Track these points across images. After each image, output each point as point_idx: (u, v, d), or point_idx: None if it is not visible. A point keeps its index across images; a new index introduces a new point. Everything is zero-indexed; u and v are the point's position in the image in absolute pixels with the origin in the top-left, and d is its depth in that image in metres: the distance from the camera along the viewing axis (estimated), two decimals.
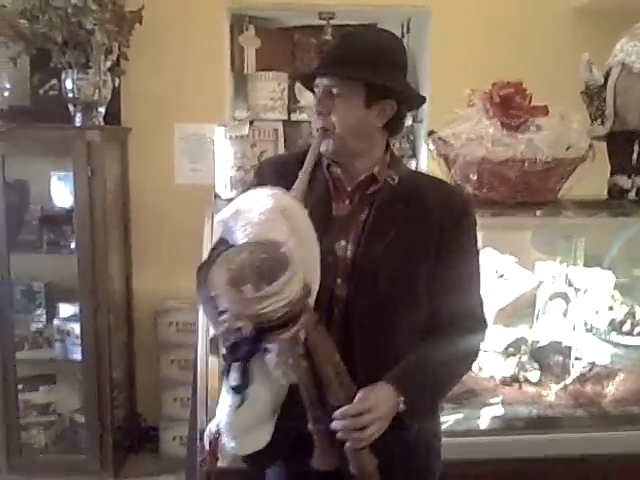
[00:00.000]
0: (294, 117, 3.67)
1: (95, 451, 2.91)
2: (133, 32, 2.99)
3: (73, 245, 2.94)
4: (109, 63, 2.95)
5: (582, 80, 2.48)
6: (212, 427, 1.47)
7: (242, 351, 1.18)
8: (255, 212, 1.25)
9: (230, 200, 2.26)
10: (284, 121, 3.58)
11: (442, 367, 1.43)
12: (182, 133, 3.34)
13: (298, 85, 3.78)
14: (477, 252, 1.52)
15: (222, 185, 2.30)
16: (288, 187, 1.38)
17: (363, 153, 1.46)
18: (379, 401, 1.30)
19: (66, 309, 3.09)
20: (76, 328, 2.95)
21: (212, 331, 1.72)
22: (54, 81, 3.00)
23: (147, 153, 3.31)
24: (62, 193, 3.06)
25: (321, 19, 3.63)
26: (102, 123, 3.01)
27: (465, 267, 1.49)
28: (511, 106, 2.28)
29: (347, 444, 1.28)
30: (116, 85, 3.07)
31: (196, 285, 1.49)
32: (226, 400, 1.37)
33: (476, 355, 1.53)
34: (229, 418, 1.36)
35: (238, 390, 1.26)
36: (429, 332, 1.46)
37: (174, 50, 3.26)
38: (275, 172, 1.52)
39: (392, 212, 1.45)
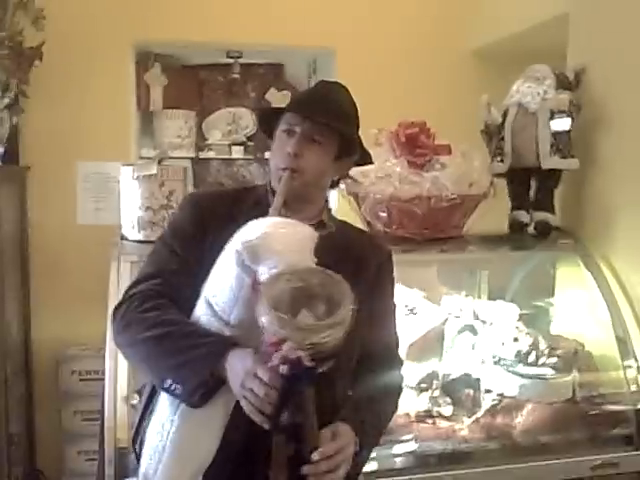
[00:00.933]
0: (202, 155, 3.63)
1: None
2: (33, 68, 2.88)
3: None
4: (7, 100, 2.82)
5: (481, 120, 2.59)
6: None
7: (303, 383, 1.11)
8: (290, 238, 1.23)
9: (138, 242, 2.23)
10: (192, 159, 3.54)
11: (382, 406, 1.49)
12: (85, 172, 3.24)
13: (206, 123, 3.77)
14: (394, 299, 1.60)
15: (129, 226, 2.22)
16: (226, 224, 1.35)
17: (315, 200, 1.50)
18: (347, 441, 1.29)
19: None
20: None
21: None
22: None
23: (48, 193, 3.17)
24: None
25: (229, 57, 3.64)
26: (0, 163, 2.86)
27: (389, 313, 1.58)
28: (416, 145, 2.36)
29: None
30: (14, 123, 2.93)
31: (117, 327, 1.40)
32: (162, 452, 1.29)
33: (401, 391, 1.59)
34: (166, 472, 1.29)
35: (291, 431, 1.18)
36: (360, 374, 1.49)
37: (76, 87, 3.17)
38: (214, 209, 1.48)
39: (333, 260, 1.44)
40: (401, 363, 1.61)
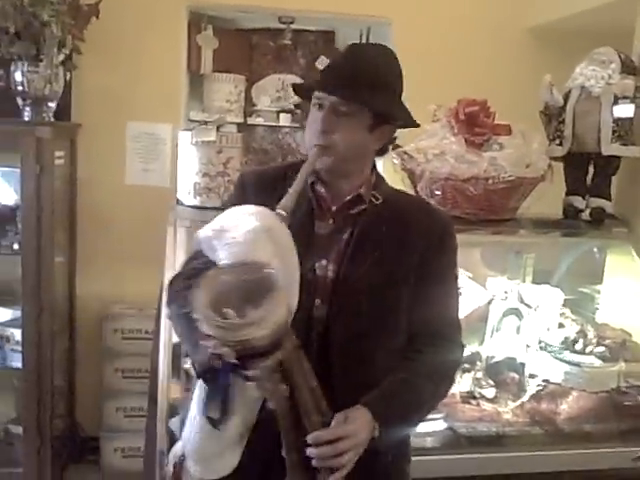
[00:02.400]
0: (250, 121, 3.62)
1: (33, 464, 2.76)
2: (88, 26, 2.87)
3: (16, 246, 2.79)
4: (62, 56, 2.82)
5: (542, 100, 2.54)
6: (177, 450, 1.42)
7: (223, 380, 1.12)
8: (240, 231, 1.19)
9: (194, 207, 2.24)
10: (240, 124, 3.52)
11: (420, 392, 1.40)
12: (134, 132, 3.24)
13: (255, 88, 3.75)
14: (456, 274, 1.51)
15: (185, 191, 2.23)
16: (273, 203, 1.32)
17: (353, 174, 1.43)
18: (357, 427, 1.26)
19: (4, 313, 2.93)
20: (16, 334, 2.80)
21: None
22: (1, 72, 2.85)
23: (97, 151, 3.19)
24: (4, 190, 2.91)
25: (281, 23, 3.60)
26: (52, 119, 2.87)
27: (445, 291, 1.48)
28: (476, 124, 2.32)
29: (322, 471, 1.24)
30: (67, 80, 2.94)
31: (166, 299, 1.45)
32: (194, 423, 1.31)
33: (454, 378, 1.51)
34: (196, 442, 1.31)
35: (216, 423, 1.19)
36: (408, 353, 1.44)
37: (129, 46, 3.17)
38: (259, 186, 1.47)
39: (375, 233, 1.43)
40: (459, 347, 1.50)
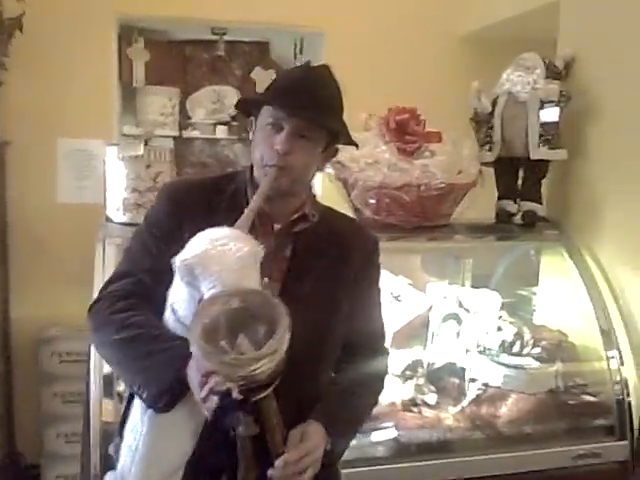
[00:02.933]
0: (186, 134, 3.57)
1: None
2: (13, 40, 2.79)
3: None
4: None
5: (471, 107, 2.57)
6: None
7: (230, 417, 1.09)
8: (230, 257, 1.14)
9: (123, 224, 2.19)
10: (175, 137, 3.48)
11: (359, 401, 1.45)
12: (66, 149, 3.17)
13: (190, 101, 3.70)
14: (380, 288, 1.57)
15: (114, 208, 2.17)
16: (204, 215, 1.31)
17: (299, 193, 1.43)
18: (316, 442, 1.27)
19: None
20: None
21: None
22: None
23: (27, 169, 3.10)
24: None
25: (214, 34, 3.57)
26: None
27: (375, 303, 1.54)
28: (407, 132, 2.33)
29: None
30: None
31: (93, 325, 1.39)
32: (134, 454, 1.27)
33: (384, 384, 1.56)
34: (136, 475, 1.27)
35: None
36: (343, 364, 1.48)
37: (58, 60, 3.09)
38: (191, 198, 1.42)
39: (315, 250, 1.43)
40: (386, 354, 1.58)
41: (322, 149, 1.39)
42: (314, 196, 1.51)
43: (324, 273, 1.42)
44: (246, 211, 1.28)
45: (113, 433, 1.81)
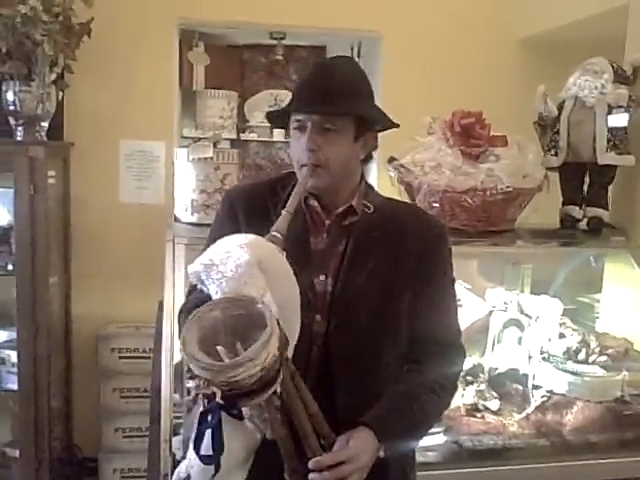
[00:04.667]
0: (243, 137, 3.62)
1: None
2: (80, 45, 2.87)
3: (10, 266, 2.76)
4: (54, 76, 2.81)
5: (536, 111, 2.54)
6: (181, 470, 1.39)
7: (214, 419, 1.10)
8: (229, 265, 1.15)
9: (192, 224, 2.23)
10: (233, 140, 3.52)
11: (423, 405, 1.37)
12: (127, 150, 3.23)
13: (248, 104, 3.75)
14: (453, 280, 1.50)
15: (182, 208, 2.21)
16: (261, 219, 1.33)
17: (345, 186, 1.43)
18: (359, 450, 1.24)
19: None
20: (12, 355, 2.77)
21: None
22: None
23: (90, 170, 3.17)
24: None
25: (272, 39, 3.61)
26: (45, 138, 2.86)
27: (443, 296, 1.47)
28: (471, 135, 2.32)
29: None
30: (59, 99, 2.93)
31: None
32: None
33: (456, 386, 1.51)
34: (201, 466, 1.28)
35: (210, 462, 1.17)
36: (408, 364, 1.43)
37: (121, 64, 3.16)
38: (248, 203, 1.46)
39: (370, 243, 1.42)
40: (461, 352, 1.49)
41: (353, 138, 1.38)
42: (368, 186, 1.49)
43: (380, 265, 1.40)
44: (283, 212, 1.29)
45: (180, 429, 1.86)
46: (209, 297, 1.31)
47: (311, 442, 1.22)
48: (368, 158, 1.48)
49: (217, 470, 1.18)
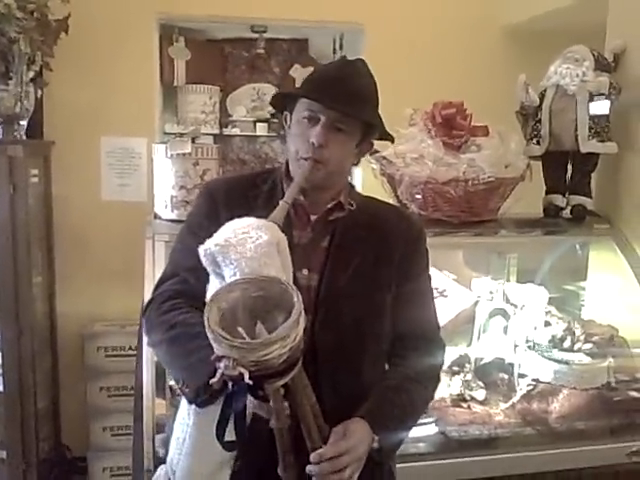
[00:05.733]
0: (226, 131, 3.59)
1: None
2: (58, 41, 2.84)
3: None
4: (32, 74, 2.78)
5: (518, 100, 2.54)
6: (160, 475, 1.38)
7: (240, 402, 1.08)
8: (248, 245, 1.15)
9: (171, 221, 2.21)
10: (216, 135, 3.50)
11: (412, 397, 1.40)
12: (109, 147, 3.21)
13: (230, 99, 3.72)
14: (430, 276, 1.53)
15: (162, 205, 2.19)
16: (241, 210, 1.30)
17: (333, 185, 1.43)
18: (357, 441, 1.25)
19: None
20: None
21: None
22: None
23: (72, 168, 3.15)
24: None
25: (253, 32, 3.58)
26: (24, 137, 2.83)
27: (423, 293, 1.50)
28: (453, 126, 2.31)
29: None
30: (38, 97, 2.90)
31: (145, 327, 1.42)
32: (181, 445, 1.28)
33: (440, 378, 1.52)
34: (185, 467, 1.27)
35: (233, 448, 1.15)
36: (392, 359, 1.45)
37: (101, 61, 3.14)
38: (229, 196, 1.44)
39: (354, 239, 1.42)
40: (441, 345, 1.52)
41: (357, 143, 1.39)
42: (352, 186, 1.50)
43: (364, 262, 1.40)
44: (281, 202, 1.29)
45: (164, 426, 1.85)
46: (185, 287, 1.30)
47: (312, 434, 1.22)
48: (358, 161, 1.49)
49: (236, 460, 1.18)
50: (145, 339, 1.44)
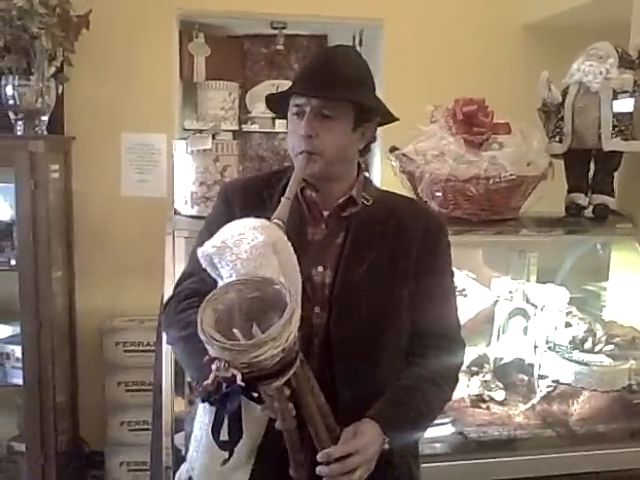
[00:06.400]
0: (245, 128, 3.59)
1: None
2: (79, 37, 2.85)
3: (13, 261, 2.76)
4: (53, 69, 2.80)
5: (540, 98, 2.51)
6: (182, 472, 1.38)
7: (233, 403, 1.07)
8: (244, 247, 1.14)
9: (192, 217, 2.21)
10: (235, 131, 3.50)
11: (427, 397, 1.37)
12: (129, 143, 3.21)
13: (250, 95, 3.72)
14: (452, 272, 1.50)
15: (182, 201, 2.19)
16: (257, 210, 1.31)
17: (342, 176, 1.42)
18: (367, 442, 1.24)
19: (4, 330, 2.90)
20: (16, 350, 2.77)
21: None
22: None
23: (92, 163, 3.16)
24: (0, 206, 2.88)
25: (272, 28, 3.57)
26: (45, 132, 2.84)
27: (443, 290, 1.47)
28: (474, 123, 2.29)
29: None
30: (59, 92, 2.91)
31: (164, 324, 1.43)
32: (200, 443, 1.28)
33: (458, 378, 1.49)
34: (204, 465, 1.27)
35: (228, 447, 1.14)
36: (410, 358, 1.43)
37: (121, 57, 3.14)
38: (245, 197, 1.45)
39: (370, 234, 1.41)
40: (460, 345, 1.48)
41: (352, 127, 1.36)
42: (366, 179, 1.48)
43: (379, 258, 1.39)
44: (282, 199, 1.28)
45: (183, 423, 1.85)
46: (202, 285, 1.30)
47: (320, 434, 1.21)
48: (366, 150, 1.47)
49: (230, 457, 1.16)
50: (164, 336, 1.44)
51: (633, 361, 2.22)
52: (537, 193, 2.32)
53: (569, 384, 2.18)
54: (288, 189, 1.30)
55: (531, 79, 2.53)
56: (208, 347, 1.05)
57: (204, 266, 1.21)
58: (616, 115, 2.33)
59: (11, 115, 2.77)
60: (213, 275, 1.21)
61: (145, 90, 3.17)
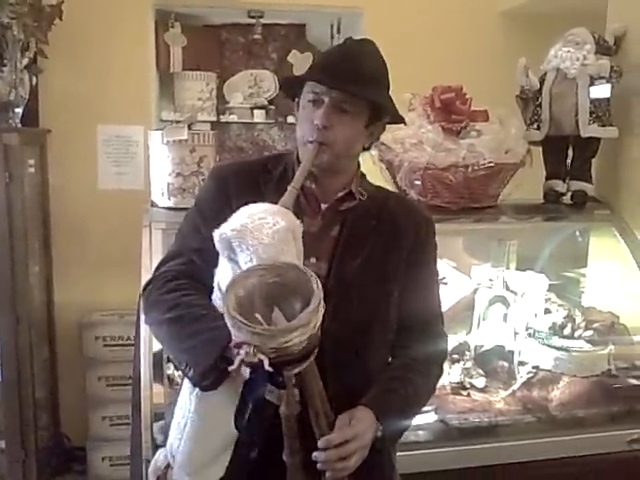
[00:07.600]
0: (223, 118, 3.56)
1: (17, 477, 2.71)
2: (52, 28, 2.80)
3: None
4: (26, 60, 2.75)
5: (518, 84, 2.51)
6: (160, 459, 1.37)
7: (259, 389, 1.07)
8: (265, 231, 1.13)
9: (168, 209, 2.19)
10: (213, 122, 3.47)
11: (415, 387, 1.40)
12: (105, 135, 3.18)
13: (227, 85, 3.69)
14: (437, 269, 1.53)
15: (159, 193, 2.17)
16: (252, 195, 1.29)
17: (344, 170, 1.41)
18: (364, 428, 1.25)
19: None
20: None
21: None
22: None
23: (68, 156, 3.12)
24: None
25: (250, 17, 3.54)
26: (19, 125, 2.80)
27: (430, 285, 1.51)
28: (452, 111, 2.28)
29: (328, 474, 1.22)
30: (34, 84, 2.87)
31: (144, 305, 1.40)
32: (182, 430, 1.27)
33: (443, 369, 1.52)
34: (186, 452, 1.26)
35: (250, 433, 1.15)
36: (397, 350, 1.45)
37: (96, 47, 3.10)
38: (240, 180, 1.42)
39: (364, 229, 1.41)
40: (444, 337, 1.53)
41: (365, 124, 1.36)
42: (363, 175, 1.48)
43: (373, 252, 1.39)
44: (289, 188, 1.27)
45: (162, 415, 1.84)
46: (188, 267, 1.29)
47: (321, 420, 1.21)
48: (368, 147, 1.47)
49: (253, 445, 1.17)
50: (143, 317, 1.41)
51: (612, 346, 2.23)
52: (515, 180, 2.32)
53: (549, 370, 2.18)
54: (295, 178, 1.29)
55: (510, 66, 2.52)
56: (234, 332, 1.04)
57: (219, 249, 1.18)
58: (593, 101, 2.33)
59: None
60: (226, 259, 1.18)
61: (121, 81, 3.14)
